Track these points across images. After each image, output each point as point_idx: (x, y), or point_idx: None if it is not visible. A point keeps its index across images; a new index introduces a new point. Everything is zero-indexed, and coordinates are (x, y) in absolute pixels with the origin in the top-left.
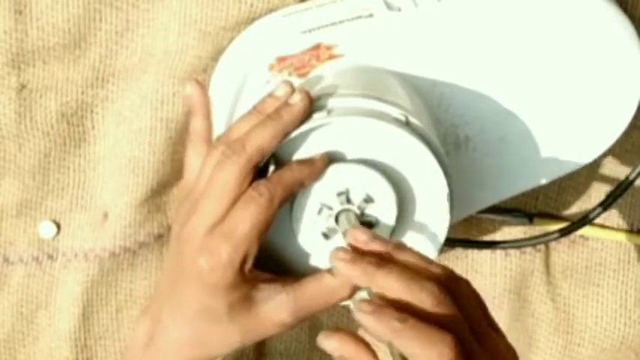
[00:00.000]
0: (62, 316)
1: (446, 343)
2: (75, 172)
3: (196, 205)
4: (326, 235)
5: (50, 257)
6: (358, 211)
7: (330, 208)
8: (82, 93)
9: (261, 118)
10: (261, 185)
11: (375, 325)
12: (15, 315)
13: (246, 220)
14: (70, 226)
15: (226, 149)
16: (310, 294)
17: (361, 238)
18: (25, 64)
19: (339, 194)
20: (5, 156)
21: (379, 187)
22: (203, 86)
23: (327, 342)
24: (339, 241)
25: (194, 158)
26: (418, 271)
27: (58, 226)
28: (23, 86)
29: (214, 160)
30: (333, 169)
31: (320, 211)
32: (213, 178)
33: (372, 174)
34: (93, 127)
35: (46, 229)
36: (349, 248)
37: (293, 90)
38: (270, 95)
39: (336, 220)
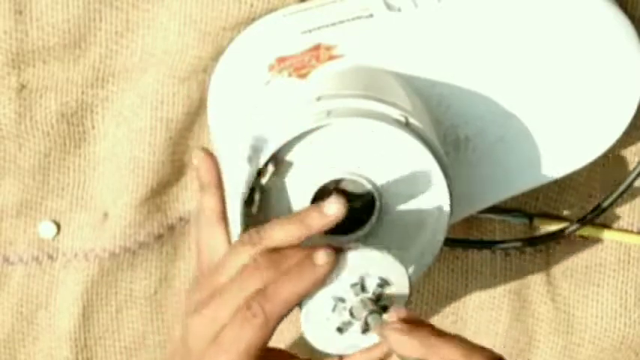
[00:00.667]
0: (62, 316)
1: None
2: (75, 172)
3: (210, 302)
4: (340, 330)
5: (50, 257)
6: (373, 297)
7: (344, 301)
8: (82, 93)
9: (291, 261)
10: (255, 305)
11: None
12: (15, 315)
13: (241, 340)
14: (70, 226)
15: (251, 303)
16: None
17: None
18: (25, 64)
19: (353, 285)
20: (5, 156)
21: (393, 268)
22: (211, 155)
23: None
24: (354, 333)
25: (211, 239)
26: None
27: (58, 226)
28: (23, 86)
29: (240, 259)
30: (345, 260)
31: (334, 308)
32: (227, 332)
33: (385, 257)
34: (93, 127)
35: (46, 229)
36: (400, 322)
37: (344, 209)
38: (318, 209)
39: (351, 312)
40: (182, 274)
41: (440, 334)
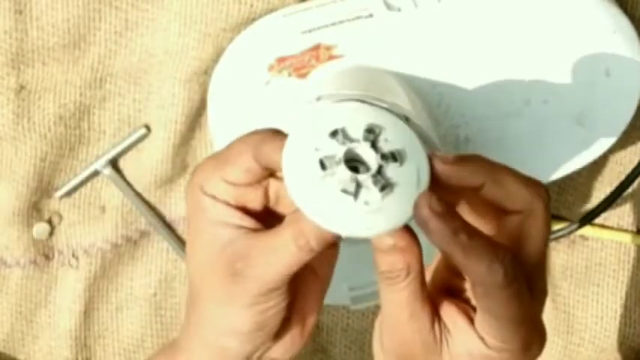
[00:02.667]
0: (62, 315)
1: (508, 260)
2: (68, 175)
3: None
4: (323, 164)
5: (46, 257)
6: (377, 164)
7: (349, 139)
8: (80, 95)
9: None
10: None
11: (439, 229)
12: (14, 315)
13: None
14: (64, 224)
15: None
16: None
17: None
18: (24, 64)
19: (368, 131)
20: (2, 159)
21: (383, 118)
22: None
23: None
24: (332, 182)
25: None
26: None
27: (52, 225)
28: (22, 87)
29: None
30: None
31: (334, 134)
32: None
33: (412, 136)
34: (89, 129)
35: (40, 230)
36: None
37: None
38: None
39: (349, 164)
40: (182, 274)
41: (492, 161)
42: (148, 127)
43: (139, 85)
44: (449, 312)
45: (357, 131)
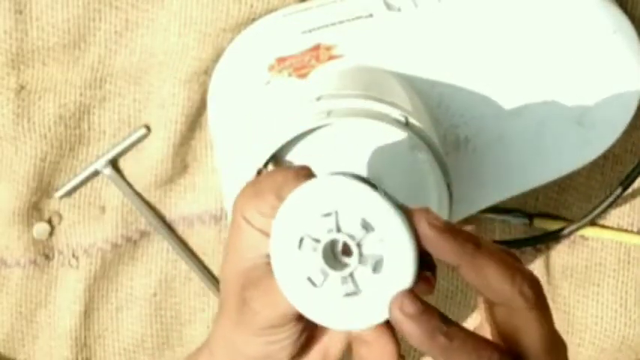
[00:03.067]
0: (63, 315)
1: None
2: (67, 174)
3: None
4: (312, 282)
5: (47, 257)
6: (354, 241)
7: (317, 241)
8: (80, 95)
9: None
10: None
11: (417, 334)
12: (14, 315)
13: None
14: (64, 224)
15: None
16: None
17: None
18: (24, 64)
19: (326, 215)
20: (2, 159)
21: (380, 211)
22: None
23: None
24: (335, 291)
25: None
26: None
27: (52, 225)
28: (22, 87)
29: None
30: (314, 185)
31: (300, 244)
32: None
33: (368, 192)
34: (89, 129)
35: (40, 230)
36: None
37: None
38: None
39: (325, 255)
40: (182, 274)
41: (478, 243)
42: (148, 127)
43: (139, 85)
44: None
45: (349, 223)
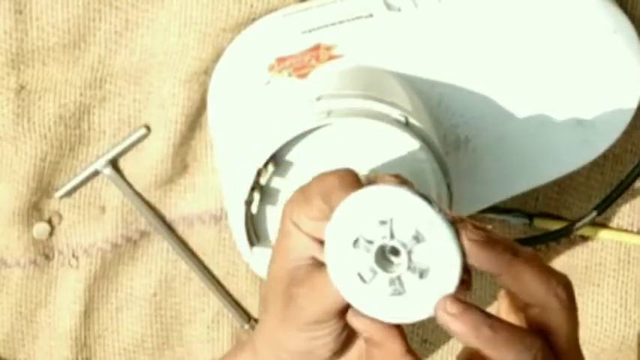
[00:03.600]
0: (63, 315)
1: (537, 346)
2: (67, 174)
3: None
4: (362, 278)
5: (47, 257)
6: (405, 249)
7: (370, 242)
8: (80, 95)
9: None
10: None
11: (463, 330)
12: (14, 315)
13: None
14: (64, 224)
15: None
16: None
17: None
18: (24, 64)
19: (382, 223)
20: (2, 159)
21: (433, 225)
22: None
23: (357, 320)
24: (382, 289)
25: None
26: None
27: (52, 225)
28: (22, 87)
29: None
30: (376, 192)
31: (355, 243)
32: None
33: (424, 206)
34: (89, 129)
35: (40, 230)
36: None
37: None
38: None
39: (377, 257)
40: (182, 274)
41: (515, 251)
42: (148, 127)
43: (139, 85)
44: None
45: (402, 232)
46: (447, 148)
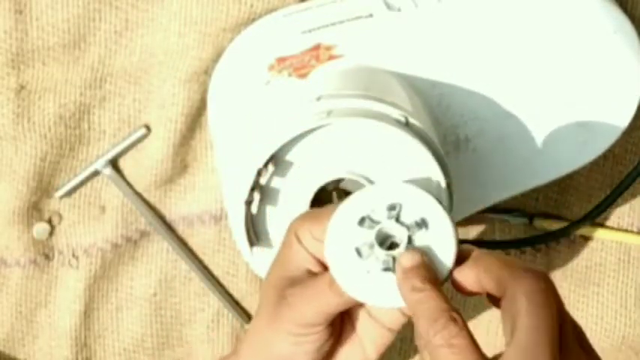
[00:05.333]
0: (63, 314)
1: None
2: (68, 174)
3: None
4: (359, 252)
5: (47, 257)
6: (408, 232)
7: (374, 222)
8: (81, 95)
9: None
10: None
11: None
12: (14, 315)
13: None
14: (64, 224)
15: None
16: None
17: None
18: (24, 64)
19: (390, 208)
20: (2, 159)
21: (435, 214)
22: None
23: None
24: (372, 264)
25: None
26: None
27: (52, 225)
28: (22, 87)
29: None
30: (388, 185)
31: (361, 222)
32: None
33: (429, 199)
34: (89, 129)
35: (40, 230)
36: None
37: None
38: None
39: (378, 236)
40: (182, 274)
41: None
42: (148, 127)
43: (139, 85)
44: None
45: (380, 213)
46: (447, 148)
